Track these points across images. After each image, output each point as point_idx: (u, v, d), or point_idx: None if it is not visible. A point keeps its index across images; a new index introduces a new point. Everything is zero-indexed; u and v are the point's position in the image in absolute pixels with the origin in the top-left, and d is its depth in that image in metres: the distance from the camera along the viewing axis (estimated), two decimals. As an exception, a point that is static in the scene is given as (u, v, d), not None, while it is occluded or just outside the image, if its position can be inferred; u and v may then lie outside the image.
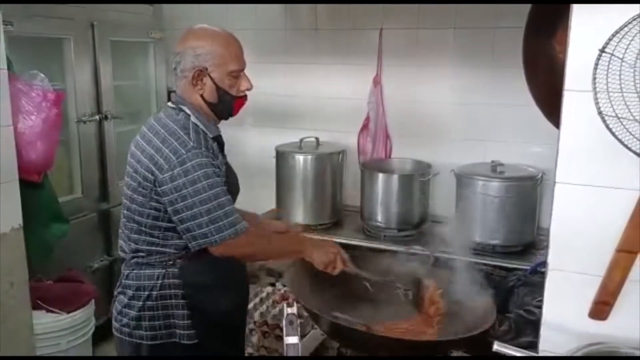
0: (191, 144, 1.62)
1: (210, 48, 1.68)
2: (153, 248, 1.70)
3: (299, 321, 1.30)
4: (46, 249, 2.60)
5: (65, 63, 3.09)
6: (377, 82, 3.35)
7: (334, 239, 3.06)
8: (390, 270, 1.94)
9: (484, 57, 3.09)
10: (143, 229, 1.69)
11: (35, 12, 2.84)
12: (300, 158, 3.18)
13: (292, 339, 1.24)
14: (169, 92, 3.82)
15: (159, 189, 1.61)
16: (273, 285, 2.53)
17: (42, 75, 2.44)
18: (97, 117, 3.22)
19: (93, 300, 2.73)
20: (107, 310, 1.92)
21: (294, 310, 1.30)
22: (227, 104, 1.75)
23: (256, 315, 2.13)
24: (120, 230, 1.78)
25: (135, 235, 1.70)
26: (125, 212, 1.74)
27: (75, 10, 3.07)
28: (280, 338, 2.14)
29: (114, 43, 3.29)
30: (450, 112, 3.26)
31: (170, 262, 1.70)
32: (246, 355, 2.08)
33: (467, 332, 1.57)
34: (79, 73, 3.11)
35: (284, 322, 1.28)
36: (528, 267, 2.49)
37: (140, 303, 1.71)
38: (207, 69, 1.68)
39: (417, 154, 3.29)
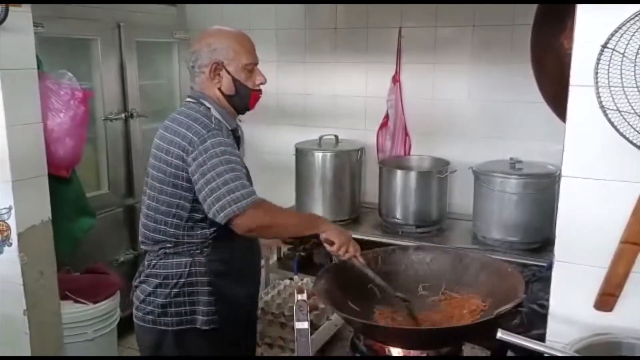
0: (212, 125, 1.70)
1: (225, 43, 1.78)
2: (180, 239, 1.76)
3: (309, 307, 1.35)
4: (73, 241, 2.70)
5: (92, 63, 3.20)
6: (396, 80, 3.38)
7: (352, 236, 3.12)
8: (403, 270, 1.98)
9: (502, 54, 3.10)
10: (170, 219, 1.74)
11: (65, 14, 2.95)
12: (319, 155, 3.23)
13: (301, 324, 1.29)
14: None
15: (187, 171, 1.68)
16: (291, 279, 2.58)
17: (70, 74, 2.54)
18: (123, 115, 3.32)
19: (118, 292, 2.82)
20: (131, 302, 1.98)
21: (304, 296, 1.35)
22: (244, 96, 1.83)
23: (273, 307, 2.18)
24: (143, 222, 1.83)
25: (163, 227, 1.76)
26: (151, 203, 1.78)
27: (102, 12, 3.18)
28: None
29: (139, 43, 3.39)
30: (469, 109, 3.28)
31: (198, 251, 1.76)
32: (260, 344, 2.14)
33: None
34: (105, 72, 3.22)
35: (294, 308, 1.33)
36: (545, 264, 2.49)
37: (168, 290, 1.76)
38: (223, 62, 1.77)
39: (436, 151, 3.31)
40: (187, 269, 1.76)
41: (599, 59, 1.20)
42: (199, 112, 1.74)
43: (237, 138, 1.85)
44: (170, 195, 1.73)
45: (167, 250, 1.78)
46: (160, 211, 1.76)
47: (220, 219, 1.63)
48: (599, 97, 1.21)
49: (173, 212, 1.74)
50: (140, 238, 1.87)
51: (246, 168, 1.80)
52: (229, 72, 1.78)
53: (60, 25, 2.93)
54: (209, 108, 1.78)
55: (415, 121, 3.41)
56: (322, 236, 1.82)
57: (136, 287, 1.87)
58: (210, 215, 1.65)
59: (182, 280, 1.76)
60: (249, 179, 1.75)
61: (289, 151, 3.36)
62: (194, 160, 1.65)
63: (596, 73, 1.20)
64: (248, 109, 1.90)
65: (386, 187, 3.13)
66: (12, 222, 2.26)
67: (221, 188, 1.62)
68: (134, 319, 1.87)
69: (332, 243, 1.80)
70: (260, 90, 1.87)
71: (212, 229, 1.75)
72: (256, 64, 1.85)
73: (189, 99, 1.84)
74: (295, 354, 1.33)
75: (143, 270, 1.86)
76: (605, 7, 1.24)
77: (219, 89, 1.80)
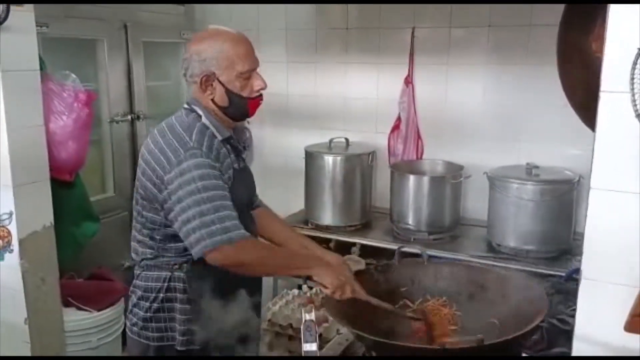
0: (190, 144, 1.58)
1: (217, 51, 1.62)
2: (158, 252, 1.69)
3: (317, 328, 1.27)
4: (77, 247, 2.64)
5: (98, 64, 3.15)
6: (408, 82, 3.30)
7: (362, 241, 3.08)
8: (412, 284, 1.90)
9: (518, 55, 3.01)
10: (147, 230, 1.68)
11: (70, 14, 2.90)
12: (329, 159, 3.15)
13: (310, 346, 1.22)
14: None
15: (163, 193, 1.58)
16: (299, 288, 2.51)
17: (74, 75, 2.48)
18: (129, 117, 3.27)
19: (123, 299, 2.76)
20: None
21: (312, 316, 1.27)
22: (239, 107, 1.69)
23: (281, 319, 2.11)
24: (134, 233, 1.76)
25: (144, 238, 1.70)
26: (135, 215, 1.72)
27: (108, 12, 3.12)
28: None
29: (146, 44, 3.34)
30: (484, 112, 3.19)
31: (176, 266, 1.68)
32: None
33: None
34: (111, 73, 3.16)
35: (302, 328, 1.26)
36: (563, 274, 2.40)
37: (148, 304, 1.71)
38: (214, 73, 1.63)
39: (449, 155, 3.23)
40: (166, 284, 1.68)
41: (635, 63, 1.11)
42: (183, 124, 1.64)
43: (233, 147, 1.73)
44: (147, 209, 1.66)
45: (148, 263, 1.72)
46: (142, 223, 1.69)
47: (195, 252, 1.53)
48: (634, 105, 1.12)
49: (149, 225, 1.67)
50: (132, 248, 1.81)
51: (238, 180, 1.69)
52: (221, 83, 1.65)
53: (66, 26, 2.88)
54: (199, 116, 1.67)
55: (428, 124, 3.32)
56: (315, 279, 1.66)
57: (129, 297, 1.82)
58: (186, 245, 1.56)
59: (161, 295, 1.69)
60: (239, 197, 1.64)
61: (299, 154, 3.28)
62: (169, 183, 1.55)
63: (632, 78, 1.11)
64: (247, 117, 1.77)
65: (398, 192, 3.05)
66: (13, 227, 2.21)
67: (196, 219, 1.50)
68: (126, 328, 1.84)
69: (325, 286, 1.63)
70: (260, 96, 1.72)
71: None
72: (254, 69, 1.69)
73: (184, 106, 1.73)
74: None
75: (133, 282, 1.80)
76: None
77: (212, 100, 1.68)
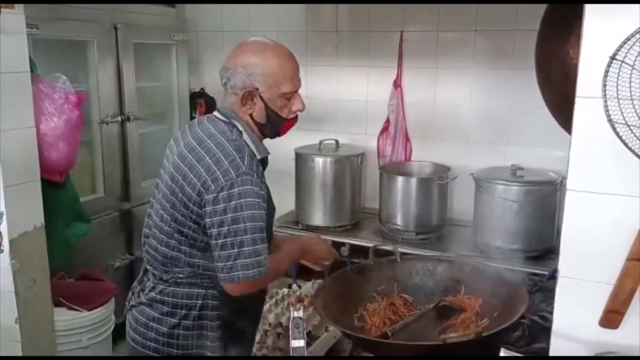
0: (243, 168, 1.52)
1: (264, 68, 1.58)
2: (195, 269, 1.63)
3: (305, 325, 1.31)
4: (67, 247, 2.66)
5: (89, 65, 3.16)
6: (397, 84, 3.34)
7: (352, 242, 3.12)
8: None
9: (504, 59, 3.06)
10: (189, 244, 1.61)
11: (61, 15, 2.91)
12: (319, 160, 3.19)
13: (298, 342, 1.25)
14: (192, 94, 3.88)
15: (201, 210, 1.54)
16: (289, 287, 2.54)
17: (64, 77, 2.50)
18: (119, 118, 3.28)
19: (113, 299, 2.78)
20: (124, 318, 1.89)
21: (300, 313, 1.31)
22: (275, 126, 1.66)
23: (271, 317, 2.14)
24: (151, 243, 1.69)
25: (176, 253, 1.62)
26: (166, 228, 1.63)
27: (99, 13, 3.13)
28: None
29: (136, 45, 3.35)
30: (471, 115, 3.24)
31: (212, 284, 1.63)
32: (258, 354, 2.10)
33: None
34: (102, 75, 3.17)
35: (290, 325, 1.29)
36: (547, 273, 2.45)
37: (176, 321, 1.64)
38: (258, 89, 1.59)
39: (437, 157, 3.27)
40: (200, 302, 1.63)
41: (607, 71, 1.16)
42: (231, 143, 1.57)
43: (264, 165, 1.70)
44: (182, 225, 1.59)
45: (179, 280, 1.65)
46: (174, 237, 1.62)
47: (222, 278, 1.53)
48: (607, 110, 1.17)
49: (187, 240, 1.61)
50: (147, 258, 1.73)
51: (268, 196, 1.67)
52: (263, 100, 1.60)
53: (56, 27, 2.88)
54: (240, 132, 1.61)
55: (416, 126, 3.37)
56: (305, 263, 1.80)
57: (134, 306, 1.73)
58: (216, 267, 1.55)
59: (194, 312, 1.64)
60: (269, 215, 1.64)
61: (289, 156, 3.32)
62: (214, 203, 1.50)
63: (604, 85, 1.16)
64: (277, 136, 1.73)
65: (386, 193, 3.09)
66: (4, 228, 2.22)
67: (234, 247, 1.49)
68: (129, 340, 1.74)
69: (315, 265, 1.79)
70: (296, 117, 1.69)
71: None
72: (297, 90, 1.66)
73: (219, 116, 1.66)
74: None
75: (144, 290, 1.72)
76: (614, 18, 1.20)
77: (250, 115, 1.63)
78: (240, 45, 1.65)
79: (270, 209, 1.71)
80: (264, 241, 1.54)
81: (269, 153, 1.68)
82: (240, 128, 1.61)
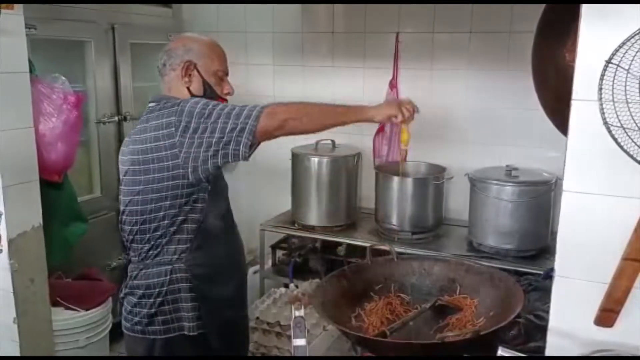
0: (178, 100, 1.71)
1: (199, 46, 1.83)
2: (163, 247, 1.76)
3: (306, 323, 1.33)
4: (66, 247, 2.67)
5: (86, 65, 3.17)
6: (393, 85, 3.37)
7: (348, 241, 3.14)
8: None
9: (499, 61, 3.09)
10: (155, 224, 1.74)
11: (58, 15, 2.92)
12: (315, 160, 3.21)
13: (299, 341, 1.27)
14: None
15: (180, 159, 1.65)
16: (286, 286, 2.56)
17: (63, 78, 2.51)
18: (116, 118, 3.29)
19: (110, 298, 2.79)
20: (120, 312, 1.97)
21: (301, 312, 1.33)
22: (211, 98, 1.80)
23: (269, 317, 2.16)
24: (125, 236, 1.82)
25: (147, 236, 1.76)
26: (134, 218, 1.76)
27: (96, 14, 3.14)
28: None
29: (133, 45, 3.36)
30: (466, 116, 3.27)
31: (176, 257, 1.76)
32: (256, 353, 2.12)
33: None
34: (99, 75, 3.18)
35: (291, 324, 1.31)
36: (542, 272, 2.48)
37: (152, 300, 1.77)
38: (196, 63, 1.80)
39: (433, 157, 3.30)
40: (168, 277, 1.76)
41: (602, 75, 1.19)
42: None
43: None
44: (158, 200, 1.72)
45: (148, 261, 1.78)
46: (147, 220, 1.74)
47: (243, 152, 1.64)
48: (602, 113, 1.19)
49: (159, 220, 1.73)
50: (126, 245, 1.86)
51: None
52: (200, 74, 1.81)
53: (54, 27, 2.89)
54: None
55: (411, 127, 3.37)
56: (377, 120, 1.90)
57: (122, 298, 1.87)
58: (232, 158, 1.66)
59: (165, 288, 1.77)
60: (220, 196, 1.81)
61: (285, 156, 3.33)
62: (184, 131, 1.64)
63: (600, 89, 1.19)
64: None
65: (382, 193, 3.12)
66: (2, 228, 2.22)
67: (227, 126, 1.63)
68: (123, 329, 1.87)
69: (394, 117, 1.87)
70: (226, 100, 1.87)
71: (189, 236, 1.76)
72: (226, 73, 1.88)
73: (152, 104, 1.81)
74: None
75: (127, 282, 1.85)
76: (610, 22, 1.23)
77: (188, 88, 1.81)
78: (178, 35, 2.00)
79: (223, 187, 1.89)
80: (237, 105, 1.68)
81: None
82: None
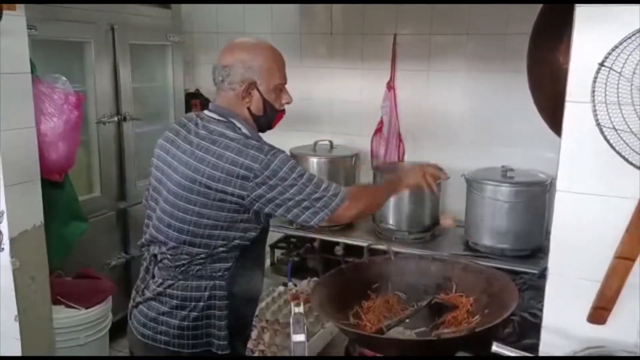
0: (266, 147, 1.65)
1: (261, 61, 1.71)
2: (209, 264, 1.70)
3: (305, 320, 1.35)
4: (66, 246, 2.69)
5: (86, 65, 3.19)
6: (390, 86, 3.40)
7: (346, 241, 3.17)
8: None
9: (495, 62, 3.13)
10: (206, 241, 1.67)
11: (58, 16, 2.94)
12: (314, 160, 3.24)
13: (299, 337, 1.30)
14: (187, 94, 3.92)
15: (246, 200, 1.62)
16: (285, 285, 2.59)
17: (64, 78, 2.53)
18: (116, 118, 3.31)
19: (110, 297, 2.81)
20: (124, 307, 1.94)
21: (300, 309, 1.35)
22: (270, 117, 1.78)
23: (268, 314, 2.18)
24: (166, 241, 1.72)
25: (196, 249, 1.68)
26: (187, 227, 1.67)
27: (96, 15, 3.16)
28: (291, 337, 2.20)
29: (133, 46, 3.38)
30: (463, 117, 3.30)
31: (219, 274, 1.70)
32: (254, 350, 2.14)
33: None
34: (99, 75, 3.20)
35: (291, 320, 1.34)
36: (536, 271, 2.51)
37: (186, 313, 1.70)
38: (256, 82, 1.70)
39: (430, 157, 3.32)
40: (208, 292, 1.70)
41: (596, 77, 1.22)
42: (239, 133, 1.67)
43: None
44: (215, 219, 1.65)
45: (189, 272, 1.70)
46: (198, 234, 1.66)
47: (315, 222, 1.66)
48: (595, 115, 1.22)
49: (214, 235, 1.67)
50: (153, 253, 1.77)
51: None
52: (260, 92, 1.72)
53: (54, 28, 2.91)
54: (239, 128, 1.69)
55: (409, 128, 3.43)
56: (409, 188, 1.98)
57: (141, 302, 1.77)
58: (300, 222, 1.67)
59: (202, 303, 1.70)
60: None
61: (283, 156, 3.35)
62: (262, 185, 1.60)
63: (593, 91, 1.22)
64: (270, 129, 1.84)
65: (379, 193, 3.14)
66: (4, 226, 2.24)
67: (306, 200, 1.63)
68: (138, 336, 1.77)
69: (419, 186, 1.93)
70: (284, 110, 1.83)
71: (236, 254, 1.71)
72: (286, 83, 1.80)
73: (215, 116, 1.73)
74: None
75: (149, 286, 1.76)
76: (603, 26, 1.26)
77: (248, 108, 1.73)
78: (232, 44, 1.76)
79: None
80: (324, 180, 1.70)
81: None
82: (239, 124, 1.70)
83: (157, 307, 1.72)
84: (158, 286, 1.74)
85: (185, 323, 1.70)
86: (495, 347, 1.28)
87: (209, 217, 1.64)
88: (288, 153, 3.20)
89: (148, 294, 1.75)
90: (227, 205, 1.63)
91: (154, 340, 1.73)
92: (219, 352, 1.71)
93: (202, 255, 1.68)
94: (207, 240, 1.67)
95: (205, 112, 1.77)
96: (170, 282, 1.72)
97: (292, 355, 1.33)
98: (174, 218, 1.68)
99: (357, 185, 1.78)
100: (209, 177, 1.62)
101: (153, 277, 1.76)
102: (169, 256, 1.71)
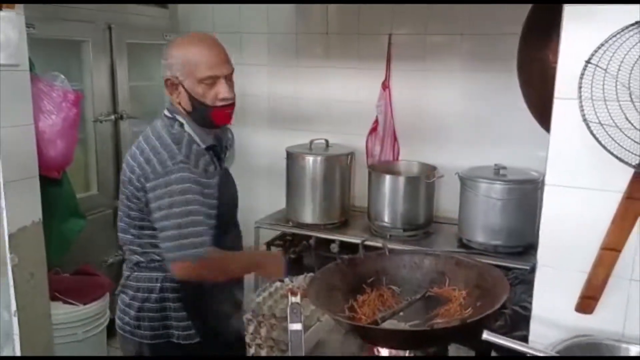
0: (180, 157, 1.63)
1: (182, 56, 1.68)
2: (152, 253, 1.73)
3: (302, 309, 1.39)
4: (64, 242, 2.71)
5: (83, 64, 3.22)
6: (385, 86, 3.44)
7: (341, 238, 3.21)
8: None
9: (489, 62, 3.17)
10: (143, 232, 1.72)
11: (56, 15, 2.96)
12: (310, 159, 3.27)
13: (295, 326, 1.33)
14: (183, 93, 3.94)
15: (142, 199, 1.67)
16: (281, 281, 2.62)
17: (63, 76, 2.56)
18: (113, 116, 3.34)
19: (108, 293, 2.84)
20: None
21: (297, 299, 1.39)
22: (202, 114, 1.72)
23: (265, 309, 2.22)
24: (120, 235, 1.80)
25: (137, 240, 1.74)
26: (125, 219, 1.76)
27: (93, 14, 3.19)
28: (287, 330, 2.23)
29: (130, 45, 3.41)
30: (457, 116, 3.34)
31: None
32: (251, 345, 2.17)
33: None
34: (96, 74, 3.23)
35: (288, 310, 1.37)
36: (528, 267, 2.55)
37: (139, 304, 1.75)
38: (178, 77, 1.69)
39: (424, 156, 3.38)
40: (159, 284, 1.74)
41: (582, 74, 1.26)
42: (172, 136, 1.69)
43: (215, 152, 1.80)
44: (140, 211, 1.71)
45: (141, 264, 1.76)
46: (135, 226, 1.73)
47: (166, 259, 1.65)
48: (582, 110, 1.26)
49: (145, 227, 1.71)
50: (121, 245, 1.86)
51: (222, 187, 1.78)
52: (184, 88, 1.69)
53: (52, 27, 2.94)
54: (182, 124, 1.72)
55: (403, 127, 3.47)
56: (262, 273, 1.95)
57: (117, 295, 1.87)
58: (162, 249, 1.66)
59: (154, 295, 1.74)
60: (225, 203, 1.76)
61: (280, 154, 3.40)
62: (153, 190, 1.62)
63: (580, 87, 1.26)
64: (214, 126, 1.78)
65: (375, 191, 3.18)
66: (3, 223, 2.27)
67: (173, 229, 1.61)
68: (116, 327, 1.86)
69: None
70: (224, 107, 1.72)
71: None
72: (218, 76, 1.69)
73: (166, 113, 1.78)
74: (289, 354, 1.37)
75: (122, 281, 1.85)
76: (590, 25, 1.30)
77: (179, 103, 1.73)
78: (172, 40, 1.80)
79: (229, 196, 1.83)
80: (203, 224, 1.63)
81: (214, 143, 1.78)
82: (182, 120, 1.73)
83: (123, 299, 1.81)
84: (124, 279, 1.81)
85: (142, 314, 1.75)
86: (486, 335, 1.31)
87: (140, 211, 1.70)
88: (284, 151, 3.33)
89: (120, 287, 1.84)
90: (143, 202, 1.69)
91: (122, 330, 1.81)
92: (182, 342, 1.74)
93: (147, 249, 1.73)
94: (147, 236, 1.71)
95: (165, 110, 1.80)
96: (128, 273, 1.79)
97: (289, 343, 1.36)
98: (125, 215, 1.76)
99: (218, 253, 1.72)
100: (131, 170, 1.69)
101: (123, 270, 1.85)
102: (127, 249, 1.79)
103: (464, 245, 3.00)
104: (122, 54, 3.36)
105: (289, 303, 1.35)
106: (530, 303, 1.82)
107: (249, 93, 3.73)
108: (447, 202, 3.30)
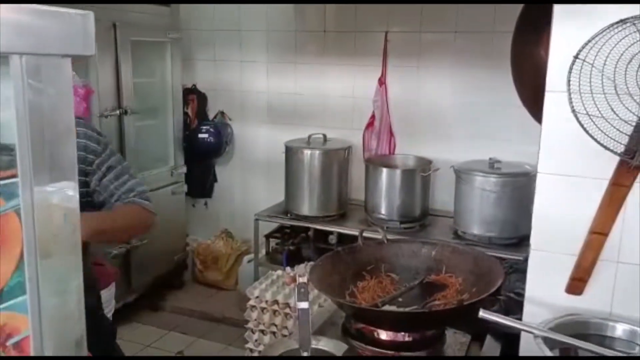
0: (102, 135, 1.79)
1: None
2: None
3: (308, 288, 1.47)
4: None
5: (89, 61, 3.27)
6: (382, 82, 3.53)
7: (339, 230, 3.29)
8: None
9: (483, 59, 3.27)
10: None
11: (62, 13, 3.03)
12: (308, 153, 3.36)
13: (303, 304, 1.41)
14: (184, 89, 4.02)
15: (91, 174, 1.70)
16: (283, 269, 2.71)
17: (73, 71, 2.62)
18: (117, 112, 3.41)
19: (114, 283, 2.91)
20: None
21: (304, 279, 1.47)
22: None
23: (268, 295, 2.30)
24: None
25: None
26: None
27: (98, 12, 3.19)
28: (288, 316, 2.32)
29: (134, 43, 3.49)
30: (452, 111, 3.44)
31: None
32: (254, 331, 2.25)
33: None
34: (101, 71, 3.30)
35: (295, 290, 1.46)
36: (522, 258, 2.64)
37: None
38: None
39: (419, 150, 3.47)
40: None
41: (571, 68, 1.35)
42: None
43: None
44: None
45: None
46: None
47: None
48: (570, 103, 1.35)
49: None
50: None
51: None
52: None
53: (58, 24, 3.00)
54: None
55: (400, 122, 3.56)
56: None
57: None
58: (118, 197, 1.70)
59: None
60: None
61: (279, 149, 3.48)
62: (102, 157, 1.69)
63: (568, 81, 1.35)
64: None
65: (372, 184, 3.27)
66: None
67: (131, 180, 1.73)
68: None
69: None
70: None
71: None
72: None
73: None
74: (297, 333, 1.45)
75: None
76: (578, 22, 1.39)
77: None
78: None
79: None
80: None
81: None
82: None
83: None
84: None
85: None
86: (482, 313, 1.41)
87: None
88: (283, 146, 3.42)
89: None
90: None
91: None
92: None
93: None
94: None
95: None
96: None
97: (297, 321, 1.44)
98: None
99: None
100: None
101: None
102: None
103: (459, 237, 3.09)
104: (126, 52, 3.43)
105: (297, 282, 1.43)
106: (524, 289, 1.92)
107: (248, 89, 3.81)
108: (443, 195, 3.39)
